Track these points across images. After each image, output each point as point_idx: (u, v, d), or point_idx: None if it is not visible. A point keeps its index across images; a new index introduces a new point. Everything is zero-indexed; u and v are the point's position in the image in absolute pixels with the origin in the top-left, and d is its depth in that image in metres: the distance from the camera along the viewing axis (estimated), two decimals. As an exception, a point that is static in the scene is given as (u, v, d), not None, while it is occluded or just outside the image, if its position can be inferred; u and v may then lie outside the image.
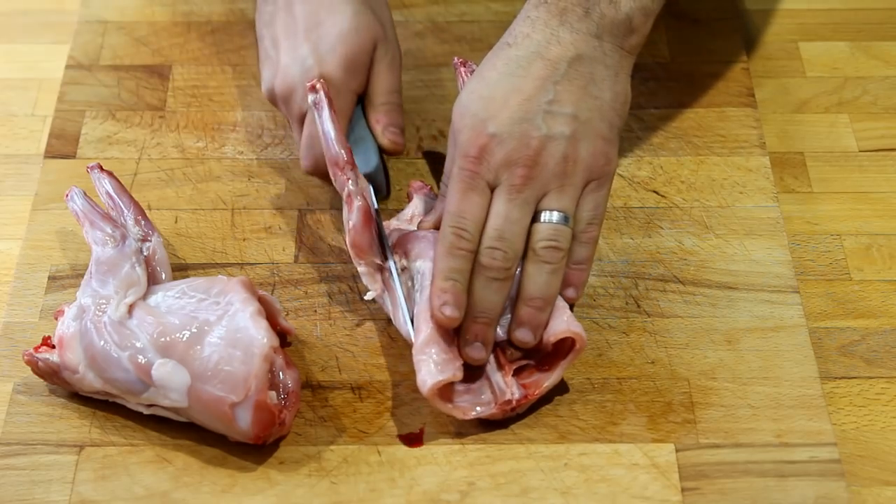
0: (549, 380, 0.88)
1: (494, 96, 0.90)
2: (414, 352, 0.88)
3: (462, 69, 0.98)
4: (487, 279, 0.88)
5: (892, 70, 1.13)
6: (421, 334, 0.88)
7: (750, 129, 1.07)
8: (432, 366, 0.86)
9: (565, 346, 0.89)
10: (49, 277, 0.97)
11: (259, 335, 0.85)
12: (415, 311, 0.90)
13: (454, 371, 0.87)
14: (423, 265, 0.91)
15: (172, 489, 0.87)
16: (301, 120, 0.99)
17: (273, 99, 1.01)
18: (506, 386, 0.88)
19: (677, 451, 0.88)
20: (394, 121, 1.00)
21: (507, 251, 0.88)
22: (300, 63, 0.98)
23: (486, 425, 0.89)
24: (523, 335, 0.89)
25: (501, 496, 0.86)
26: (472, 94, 0.91)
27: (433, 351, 0.87)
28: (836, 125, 1.09)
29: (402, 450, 0.88)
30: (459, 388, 0.89)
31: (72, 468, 0.88)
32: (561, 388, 0.91)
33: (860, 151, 1.07)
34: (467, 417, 0.88)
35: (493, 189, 0.89)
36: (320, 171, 0.98)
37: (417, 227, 0.95)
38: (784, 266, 0.98)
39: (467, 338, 0.88)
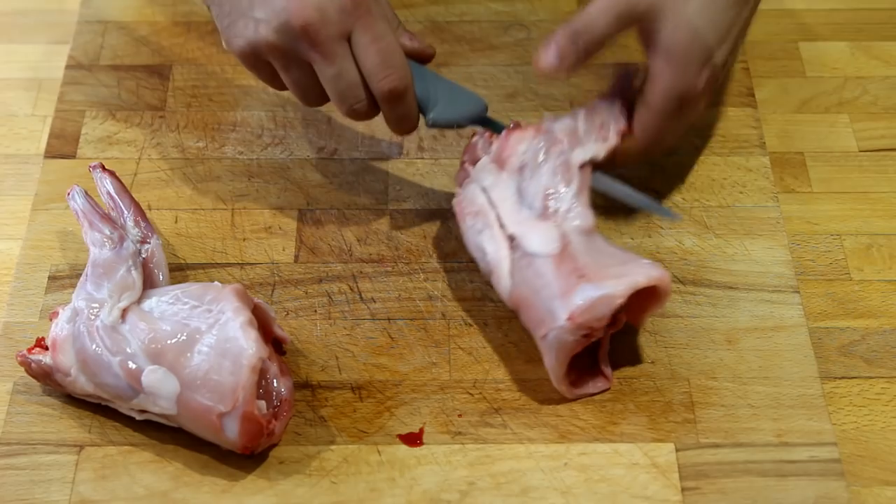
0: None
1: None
2: None
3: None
4: None
5: (892, 70, 1.13)
6: None
7: (750, 129, 1.07)
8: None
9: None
10: (49, 277, 0.97)
11: (248, 346, 0.85)
12: None
13: None
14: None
15: (172, 489, 0.87)
16: (339, 45, 0.89)
17: (276, 45, 0.89)
18: None
19: (677, 450, 0.88)
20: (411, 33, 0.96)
21: None
22: None
23: (487, 425, 0.89)
24: None
25: (501, 496, 0.86)
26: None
27: None
28: (836, 125, 1.09)
29: (402, 450, 0.88)
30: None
31: (72, 468, 0.88)
32: (561, 387, 0.91)
33: (860, 151, 1.07)
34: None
35: None
36: (360, 114, 0.93)
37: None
38: (784, 266, 0.98)
39: None
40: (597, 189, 0.95)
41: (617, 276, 0.87)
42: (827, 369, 0.93)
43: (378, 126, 1.05)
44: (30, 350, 0.90)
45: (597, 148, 0.94)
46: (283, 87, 0.95)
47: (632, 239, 1.00)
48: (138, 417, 0.88)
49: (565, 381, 0.89)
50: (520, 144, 0.94)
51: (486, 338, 0.94)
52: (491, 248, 0.92)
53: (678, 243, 1.00)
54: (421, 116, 0.95)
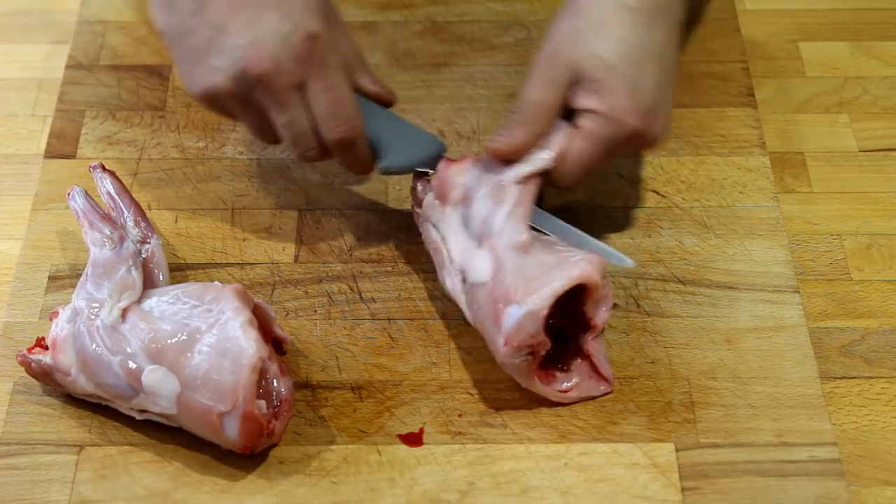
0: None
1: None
2: None
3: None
4: None
5: (892, 70, 1.13)
6: None
7: (750, 129, 1.07)
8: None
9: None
10: (49, 277, 0.97)
11: (248, 345, 0.85)
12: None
13: None
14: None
15: (172, 489, 0.87)
16: (293, 94, 0.91)
17: (232, 92, 0.91)
18: None
19: (677, 450, 0.88)
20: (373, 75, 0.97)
21: None
22: (274, 33, 0.89)
23: (487, 425, 0.89)
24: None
25: (501, 496, 0.86)
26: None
27: None
28: (836, 125, 1.09)
29: (402, 450, 0.88)
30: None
31: (72, 468, 0.87)
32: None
33: (860, 151, 1.07)
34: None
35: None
36: (312, 159, 0.94)
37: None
38: (784, 266, 0.98)
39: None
40: (543, 230, 0.93)
41: (538, 288, 0.86)
42: (827, 369, 0.93)
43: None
44: (30, 350, 0.90)
45: (534, 161, 0.92)
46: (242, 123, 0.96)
47: (632, 239, 1.00)
48: (138, 417, 0.88)
49: (551, 391, 0.89)
50: (458, 177, 0.93)
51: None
52: (449, 284, 0.92)
53: (678, 243, 1.00)
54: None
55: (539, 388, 0.89)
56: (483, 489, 0.86)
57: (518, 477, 0.87)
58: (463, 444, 0.89)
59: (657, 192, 1.03)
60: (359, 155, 0.94)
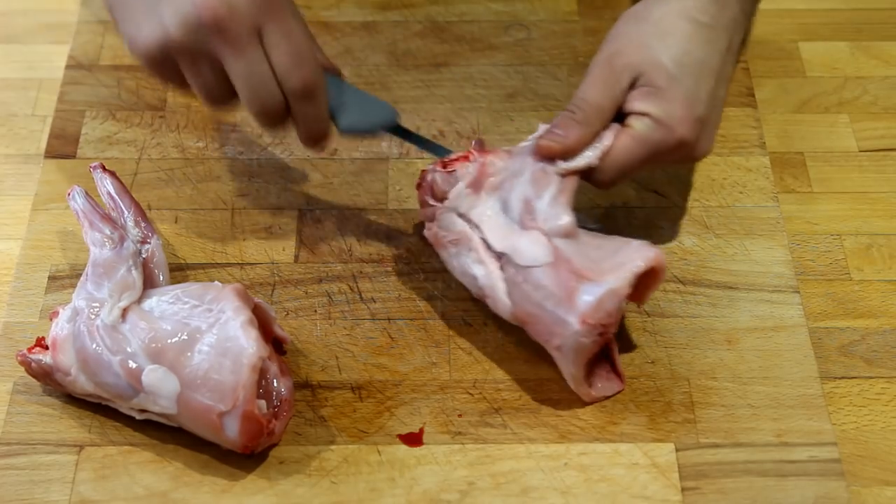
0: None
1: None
2: None
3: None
4: None
5: (892, 70, 1.13)
6: None
7: (750, 129, 1.07)
8: None
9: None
10: (49, 277, 0.97)
11: (248, 345, 0.85)
12: None
13: None
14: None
15: (172, 489, 0.87)
16: (251, 40, 0.86)
17: (184, 45, 0.86)
18: None
19: (677, 450, 0.88)
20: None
21: None
22: None
23: (487, 425, 0.89)
24: None
25: (501, 496, 0.86)
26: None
27: None
28: (836, 125, 1.09)
29: (402, 450, 0.88)
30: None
31: (72, 468, 0.88)
32: (562, 386, 0.91)
33: (860, 151, 1.07)
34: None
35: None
36: (270, 115, 0.90)
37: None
38: (784, 266, 0.98)
39: None
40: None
41: (614, 268, 0.87)
42: (827, 369, 0.93)
43: (378, 126, 1.05)
44: (30, 350, 0.90)
45: (580, 158, 0.91)
46: (188, 91, 0.91)
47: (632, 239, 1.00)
48: (138, 417, 0.88)
49: (584, 385, 0.89)
50: (497, 164, 0.92)
51: (486, 338, 0.94)
52: (481, 272, 0.91)
53: (678, 243, 1.00)
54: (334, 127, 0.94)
55: (583, 379, 0.89)
56: (483, 489, 0.86)
57: (518, 477, 0.87)
58: (463, 444, 0.89)
59: (657, 192, 1.03)
60: (319, 109, 0.91)
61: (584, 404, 0.90)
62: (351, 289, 0.97)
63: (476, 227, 0.91)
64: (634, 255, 0.87)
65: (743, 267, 0.98)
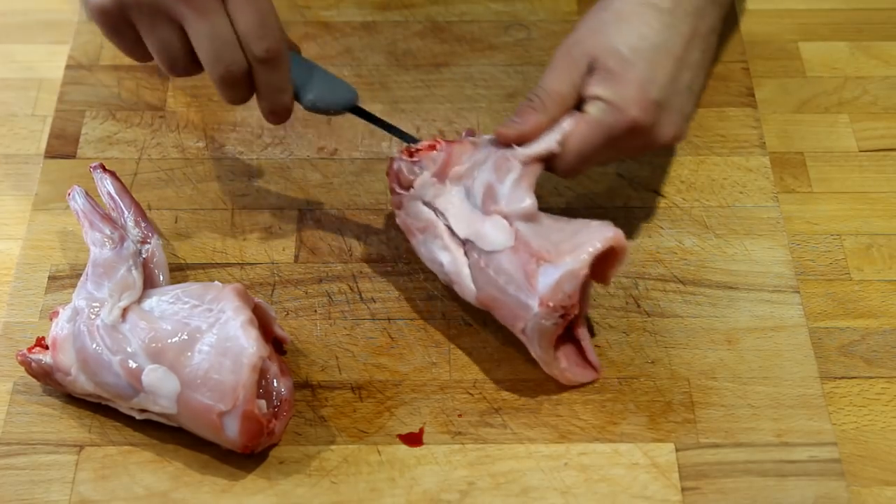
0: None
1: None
2: None
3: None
4: None
5: (892, 70, 1.13)
6: None
7: (750, 129, 1.07)
8: None
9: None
10: (49, 277, 0.97)
11: (248, 345, 0.85)
12: None
13: None
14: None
15: (172, 489, 0.87)
16: (215, 4, 0.84)
17: (142, 2, 0.83)
18: None
19: (677, 450, 0.88)
20: None
21: None
22: None
23: (487, 425, 0.89)
24: None
25: (501, 496, 0.86)
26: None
27: None
28: (836, 125, 1.09)
29: (402, 450, 0.88)
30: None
31: (72, 468, 0.88)
32: (562, 386, 0.91)
33: (860, 151, 1.07)
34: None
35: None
36: (233, 81, 0.88)
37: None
38: (784, 266, 0.98)
39: None
40: None
41: (572, 249, 0.87)
42: (827, 369, 0.93)
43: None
44: (30, 349, 0.90)
45: (539, 143, 0.92)
46: (145, 57, 0.89)
47: (632, 239, 1.00)
48: (138, 417, 0.88)
49: (556, 367, 0.89)
50: (463, 154, 0.93)
51: (486, 338, 0.94)
52: (447, 259, 0.91)
53: (678, 243, 1.00)
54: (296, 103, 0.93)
55: (553, 361, 0.89)
56: (483, 489, 0.86)
57: (518, 477, 0.87)
58: (463, 444, 0.89)
59: (657, 192, 1.03)
60: (283, 79, 0.89)
61: (584, 404, 0.90)
62: (351, 289, 0.97)
63: (441, 214, 0.92)
64: (593, 235, 0.87)
65: (743, 267, 0.98)
